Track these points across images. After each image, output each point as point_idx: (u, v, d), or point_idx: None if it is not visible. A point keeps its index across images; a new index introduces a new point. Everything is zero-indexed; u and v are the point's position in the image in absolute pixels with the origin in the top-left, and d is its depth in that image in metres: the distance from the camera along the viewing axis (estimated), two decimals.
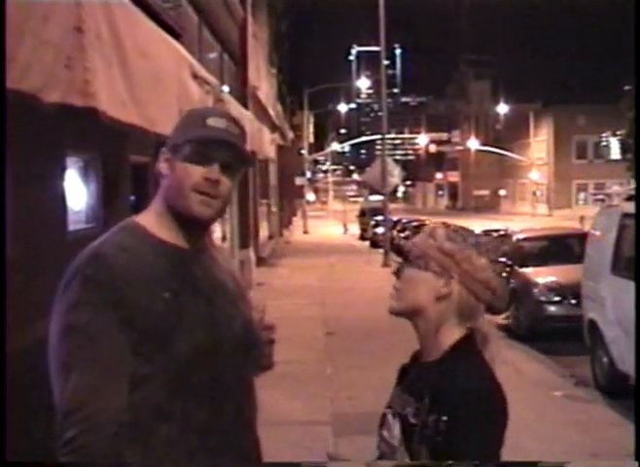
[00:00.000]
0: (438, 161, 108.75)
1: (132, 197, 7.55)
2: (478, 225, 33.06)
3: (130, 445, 1.97)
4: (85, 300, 1.98)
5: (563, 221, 41.95)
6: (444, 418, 1.96)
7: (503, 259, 2.21)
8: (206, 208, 2.14)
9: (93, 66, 2.97)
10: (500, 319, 12.41)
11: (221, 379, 2.10)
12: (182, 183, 2.12)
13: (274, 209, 35.14)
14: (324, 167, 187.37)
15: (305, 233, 48.86)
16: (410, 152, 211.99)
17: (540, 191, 76.08)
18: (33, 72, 2.76)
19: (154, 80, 4.18)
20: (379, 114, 32.33)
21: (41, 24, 2.79)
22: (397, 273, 2.21)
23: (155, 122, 4.08)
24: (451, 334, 2.11)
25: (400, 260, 2.26)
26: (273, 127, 29.09)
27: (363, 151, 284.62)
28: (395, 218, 36.85)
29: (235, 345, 2.16)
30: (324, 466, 3.65)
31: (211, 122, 2.17)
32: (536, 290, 12.39)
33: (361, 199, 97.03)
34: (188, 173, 2.12)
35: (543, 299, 12.26)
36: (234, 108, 7.96)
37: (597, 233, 9.94)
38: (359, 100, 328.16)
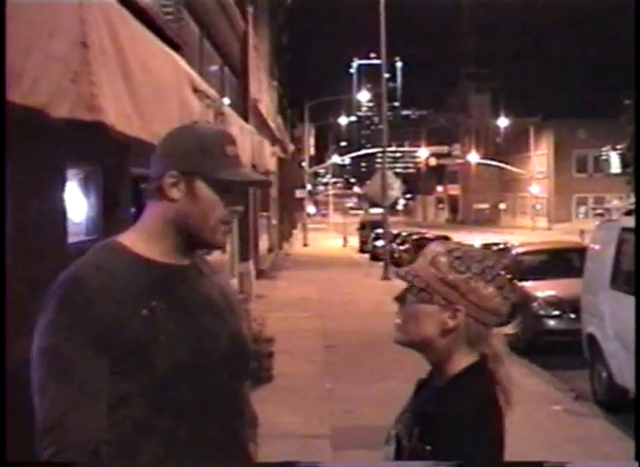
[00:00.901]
0: (438, 174, 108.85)
1: (133, 210, 7.56)
2: (478, 238, 33.08)
3: (115, 462, 1.98)
4: (57, 321, 1.99)
5: (563, 235, 41.97)
6: (428, 448, 1.93)
7: (502, 272, 2.13)
8: (227, 237, 2.20)
9: (99, 80, 2.98)
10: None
11: (205, 394, 2.10)
12: (210, 214, 2.13)
13: (274, 222, 35.16)
14: (324, 180, 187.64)
15: (305, 245, 48.87)
16: (411, 165, 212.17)
17: (540, 204, 76.13)
18: (41, 87, 2.77)
19: (156, 94, 4.20)
20: (380, 127, 32.41)
21: (47, 40, 2.80)
22: (399, 301, 2.11)
23: (159, 136, 4.08)
24: (461, 361, 2.05)
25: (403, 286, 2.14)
26: (274, 140, 29.13)
27: (363, 164, 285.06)
28: (395, 231, 36.88)
29: (222, 359, 2.15)
30: (322, 466, 3.65)
31: (229, 150, 2.17)
32: (535, 304, 12.38)
33: (361, 212, 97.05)
34: (218, 205, 2.14)
35: (542, 313, 12.25)
36: (235, 121, 7.99)
37: (597, 247, 9.95)
38: (360, 113, 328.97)
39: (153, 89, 4.05)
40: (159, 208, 2.17)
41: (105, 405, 1.98)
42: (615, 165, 60.06)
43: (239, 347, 2.25)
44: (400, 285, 2.14)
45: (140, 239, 2.16)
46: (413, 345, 2.10)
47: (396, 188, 26.83)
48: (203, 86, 5.81)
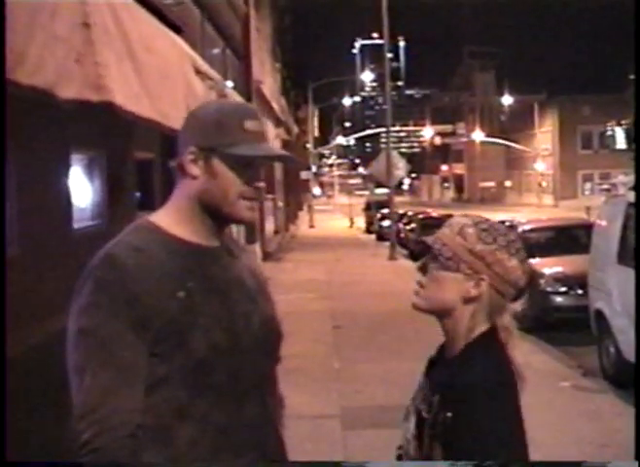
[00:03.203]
0: (443, 153, 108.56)
1: (137, 194, 7.57)
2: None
3: (152, 446, 1.96)
4: (96, 302, 1.97)
5: (569, 211, 41.87)
6: (449, 415, 1.95)
7: (522, 247, 2.16)
8: (252, 212, 2.15)
9: (104, 61, 2.96)
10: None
11: (240, 377, 2.09)
12: (228, 190, 2.10)
13: (280, 204, 35.15)
14: (329, 161, 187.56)
15: (311, 227, 48.85)
16: (416, 144, 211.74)
17: (545, 182, 75.97)
18: (46, 67, 2.74)
19: (162, 75, 4.18)
20: (384, 107, 32.36)
21: (49, 20, 2.78)
22: (422, 269, 2.15)
23: (168, 116, 4.06)
24: (477, 330, 2.09)
25: (425, 256, 2.17)
26: (278, 122, 29.11)
27: (368, 144, 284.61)
28: (401, 211, 36.83)
29: (254, 342, 2.14)
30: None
31: (249, 125, 2.11)
32: (542, 281, 12.37)
33: (366, 193, 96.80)
34: (235, 181, 2.10)
35: (549, 289, 12.25)
36: None
37: (603, 222, 9.93)
38: (363, 93, 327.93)
39: (158, 69, 4.03)
40: (184, 186, 2.15)
41: (143, 388, 1.96)
42: (620, 141, 59.85)
43: (272, 330, 2.24)
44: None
45: (172, 219, 2.14)
46: (432, 311, 2.14)
47: (401, 168, 26.76)
48: (205, 67, 5.80)
